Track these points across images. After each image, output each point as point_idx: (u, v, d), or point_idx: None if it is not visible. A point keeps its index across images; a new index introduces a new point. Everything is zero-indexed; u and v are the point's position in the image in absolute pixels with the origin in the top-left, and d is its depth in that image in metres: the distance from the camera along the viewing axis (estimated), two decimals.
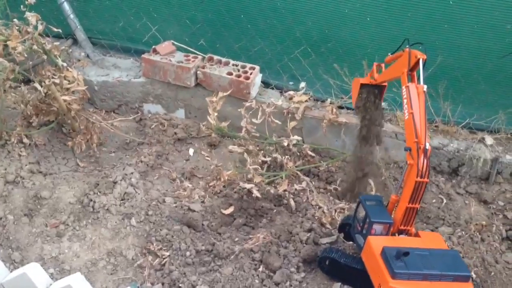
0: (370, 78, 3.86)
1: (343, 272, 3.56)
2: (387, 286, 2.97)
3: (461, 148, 4.51)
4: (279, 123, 4.53)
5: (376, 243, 3.20)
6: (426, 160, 3.13)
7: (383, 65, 3.80)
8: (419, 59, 3.24)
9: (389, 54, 3.73)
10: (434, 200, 4.39)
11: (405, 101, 3.26)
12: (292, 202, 4.17)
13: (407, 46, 3.42)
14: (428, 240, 3.31)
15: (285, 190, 4.22)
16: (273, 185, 4.34)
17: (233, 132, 4.65)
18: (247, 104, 4.46)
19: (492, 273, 3.76)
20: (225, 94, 4.43)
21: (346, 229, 3.79)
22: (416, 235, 3.38)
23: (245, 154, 4.38)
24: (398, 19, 4.38)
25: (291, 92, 4.78)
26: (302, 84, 4.77)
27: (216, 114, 4.46)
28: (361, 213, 3.47)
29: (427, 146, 3.14)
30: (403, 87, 3.30)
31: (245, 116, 4.44)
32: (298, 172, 4.40)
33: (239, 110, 4.48)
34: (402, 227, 3.33)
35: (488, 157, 4.47)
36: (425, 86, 3.25)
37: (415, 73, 3.34)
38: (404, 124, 3.32)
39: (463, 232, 4.05)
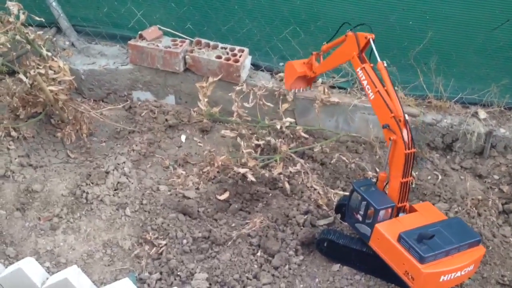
0: (307, 69, 3.94)
1: (341, 253, 3.56)
2: (418, 272, 2.99)
3: (454, 123, 4.49)
4: (271, 105, 4.47)
5: (388, 230, 3.20)
6: (409, 131, 3.16)
7: (321, 54, 3.85)
8: (369, 39, 3.28)
9: (325, 43, 3.77)
10: (429, 177, 4.38)
11: (365, 82, 3.30)
12: (287, 185, 4.13)
13: (348, 30, 3.49)
14: (427, 213, 3.35)
15: (280, 173, 4.18)
16: (267, 168, 4.30)
17: (224, 117, 4.60)
18: (238, 88, 4.40)
19: (490, 247, 3.77)
20: (215, 79, 4.37)
21: (343, 210, 3.77)
22: (412, 209, 3.40)
23: (238, 138, 4.33)
24: None
25: (282, 74, 4.71)
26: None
27: (206, 99, 4.39)
28: (356, 200, 3.43)
29: (406, 117, 3.16)
30: (358, 69, 3.33)
31: (236, 100, 4.38)
32: (292, 155, 4.36)
33: (229, 94, 4.43)
34: (400, 205, 3.32)
35: (482, 131, 4.45)
36: (385, 62, 3.27)
37: (364, 54, 3.37)
38: (372, 105, 3.32)
39: (460, 208, 4.05)
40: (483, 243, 3.77)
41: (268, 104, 4.44)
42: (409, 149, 3.16)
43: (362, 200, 3.35)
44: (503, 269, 3.67)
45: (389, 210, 3.28)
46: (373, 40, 3.28)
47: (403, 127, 3.16)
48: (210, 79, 4.35)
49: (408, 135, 3.17)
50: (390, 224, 3.26)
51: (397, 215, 3.35)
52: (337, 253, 3.58)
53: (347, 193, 4.07)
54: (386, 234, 3.19)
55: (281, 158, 4.31)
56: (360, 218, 3.38)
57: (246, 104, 4.41)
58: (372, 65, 3.33)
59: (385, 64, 3.28)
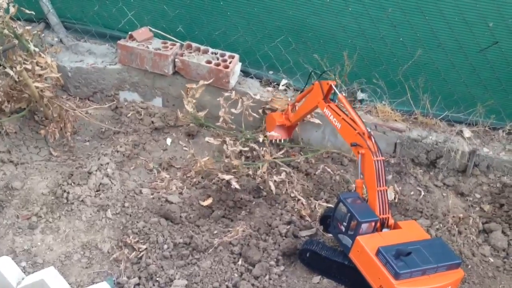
0: (285, 119, 4.36)
1: (323, 264, 3.55)
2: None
3: (439, 140, 4.52)
4: (257, 116, 4.50)
5: (368, 243, 3.21)
6: (374, 143, 3.46)
7: (297, 104, 4.27)
8: (330, 85, 3.80)
9: (299, 93, 4.33)
10: (412, 192, 4.40)
11: (331, 117, 3.78)
12: (272, 185, 4.11)
13: (313, 80, 4.07)
14: (410, 231, 3.37)
15: (264, 173, 4.16)
16: (251, 176, 4.29)
17: (210, 122, 4.60)
18: (226, 94, 4.39)
19: (469, 266, 3.80)
20: (206, 82, 4.36)
21: (327, 221, 3.77)
22: (396, 226, 3.42)
23: (224, 145, 4.31)
24: (380, 7, 4.33)
25: (270, 88, 4.67)
26: (283, 82, 4.69)
27: (194, 101, 4.36)
28: (341, 211, 3.44)
29: (369, 130, 3.53)
30: (324, 110, 3.83)
31: (224, 106, 4.37)
32: (278, 162, 4.35)
33: (218, 99, 4.42)
34: (382, 216, 3.35)
35: (466, 149, 4.49)
36: (342, 93, 3.87)
37: (329, 98, 3.90)
38: (341, 133, 3.74)
39: (441, 225, 4.08)
40: (462, 262, 3.80)
41: (254, 114, 4.46)
42: (377, 157, 3.42)
43: (346, 212, 3.36)
44: None
45: (372, 223, 3.30)
46: (335, 86, 3.81)
47: (367, 139, 3.47)
48: (201, 82, 4.34)
49: (374, 145, 3.45)
50: (371, 238, 3.27)
51: (381, 230, 3.35)
52: (319, 264, 3.58)
53: (330, 205, 4.08)
54: (366, 247, 3.20)
55: (265, 164, 4.28)
56: (344, 229, 3.39)
57: (233, 110, 4.41)
58: (335, 104, 3.82)
59: (344, 94, 3.87)
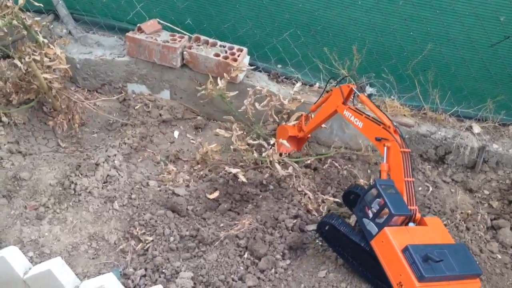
0: (297, 130, 4.33)
1: (339, 240, 3.53)
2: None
3: (448, 136, 4.49)
4: (277, 120, 4.52)
5: (395, 236, 3.16)
6: (401, 136, 3.51)
7: (310, 115, 4.24)
8: (351, 88, 3.78)
9: (313, 104, 4.29)
10: (420, 188, 4.37)
11: (352, 117, 3.76)
12: (278, 166, 4.08)
13: (329, 87, 4.16)
14: (435, 230, 3.33)
15: (271, 157, 4.15)
16: (258, 170, 4.28)
17: (217, 115, 4.57)
18: (257, 88, 4.43)
19: (477, 263, 3.75)
20: (250, 68, 4.50)
21: (351, 198, 3.80)
22: (422, 221, 3.38)
23: (232, 136, 4.30)
24: (391, 1, 4.28)
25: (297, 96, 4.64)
26: (298, 85, 4.63)
27: (229, 78, 4.35)
28: (371, 196, 3.37)
29: (395, 124, 3.55)
30: (344, 112, 3.80)
31: (251, 97, 4.38)
32: (285, 159, 4.33)
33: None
34: (410, 208, 3.31)
35: (475, 145, 4.45)
36: (364, 93, 3.85)
37: (347, 102, 3.87)
38: (363, 132, 3.69)
39: (449, 221, 4.06)
40: None
41: (275, 117, 4.48)
42: (403, 148, 3.42)
43: (377, 198, 3.29)
44: (488, 285, 3.67)
45: (403, 217, 3.26)
46: (355, 88, 3.80)
47: (393, 132, 3.48)
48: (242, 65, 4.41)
49: (400, 139, 3.47)
50: (398, 232, 3.21)
51: (407, 224, 3.31)
52: (336, 239, 3.55)
53: (356, 182, 4.17)
54: (393, 241, 3.15)
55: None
56: (371, 215, 3.32)
57: (256, 105, 4.43)
58: (355, 107, 3.79)
59: (366, 94, 3.79)
